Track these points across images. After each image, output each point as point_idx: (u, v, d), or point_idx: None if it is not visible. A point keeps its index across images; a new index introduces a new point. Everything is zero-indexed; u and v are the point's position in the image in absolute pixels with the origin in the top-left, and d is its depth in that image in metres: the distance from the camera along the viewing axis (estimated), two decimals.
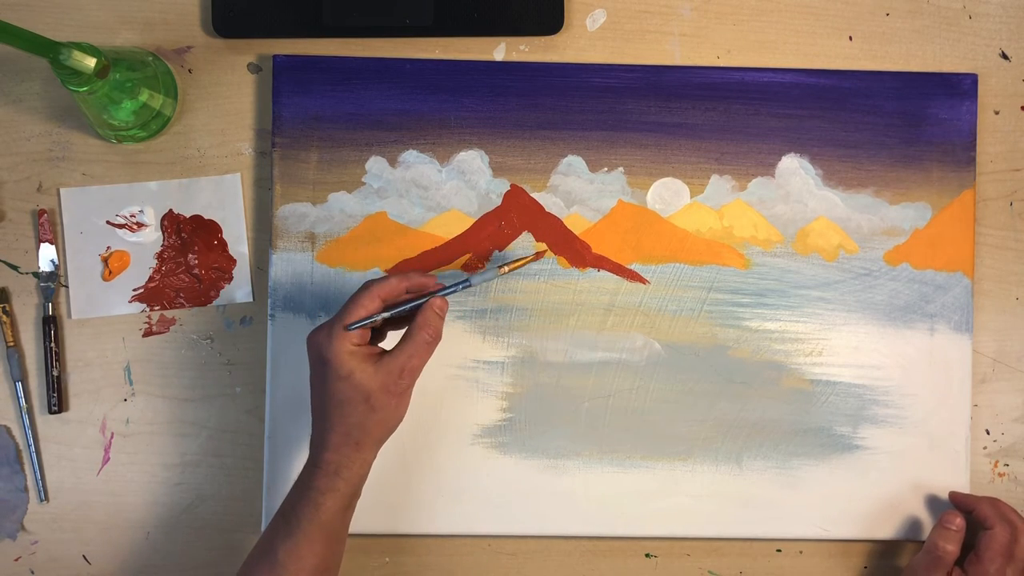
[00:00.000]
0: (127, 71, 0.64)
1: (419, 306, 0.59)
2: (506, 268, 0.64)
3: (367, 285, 0.59)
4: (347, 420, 0.57)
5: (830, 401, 0.70)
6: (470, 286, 0.62)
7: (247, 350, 0.70)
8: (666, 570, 0.71)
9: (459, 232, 0.69)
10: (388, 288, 0.59)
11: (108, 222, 0.69)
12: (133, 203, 0.70)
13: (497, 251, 0.69)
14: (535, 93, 0.69)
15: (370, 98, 0.69)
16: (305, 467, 0.59)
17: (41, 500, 0.69)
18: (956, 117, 0.70)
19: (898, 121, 0.70)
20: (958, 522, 0.66)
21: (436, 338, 0.59)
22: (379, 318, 0.58)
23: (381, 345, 0.61)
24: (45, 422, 0.69)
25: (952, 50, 0.72)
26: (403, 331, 0.59)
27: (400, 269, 0.69)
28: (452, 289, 0.61)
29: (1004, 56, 0.72)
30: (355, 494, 0.59)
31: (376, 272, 0.69)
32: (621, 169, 0.70)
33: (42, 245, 0.69)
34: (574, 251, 0.69)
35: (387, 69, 0.69)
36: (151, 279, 0.69)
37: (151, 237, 0.70)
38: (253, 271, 0.70)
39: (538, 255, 0.66)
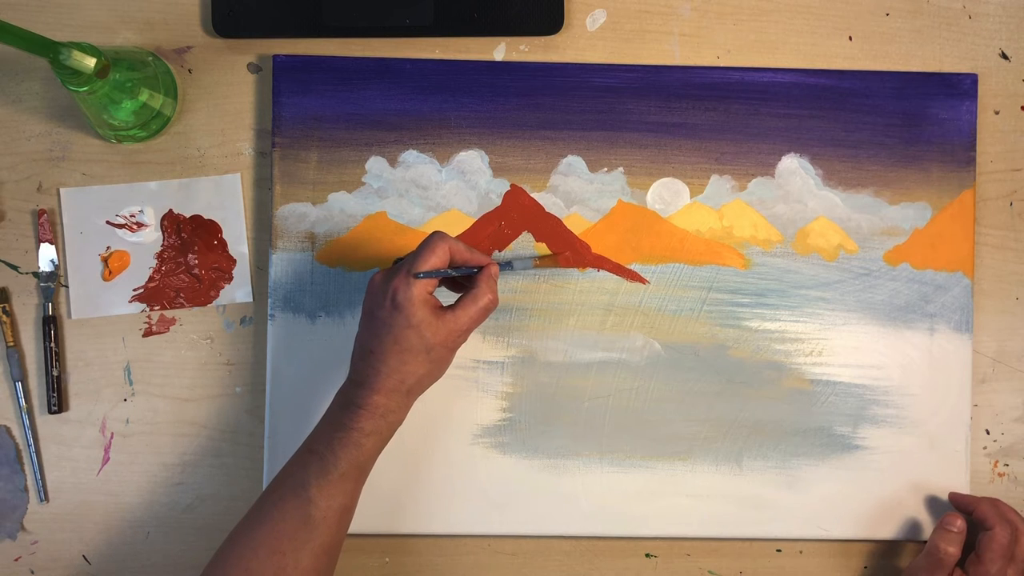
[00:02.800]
0: (127, 71, 0.64)
1: (475, 271, 0.61)
2: (538, 262, 0.67)
3: (440, 235, 0.59)
4: (405, 368, 0.58)
5: (830, 401, 0.70)
6: (512, 270, 0.66)
7: (247, 350, 0.70)
8: (666, 570, 0.71)
9: (459, 232, 0.69)
10: (457, 250, 0.60)
11: (108, 222, 0.69)
12: (133, 203, 0.70)
13: (497, 251, 0.69)
14: (535, 93, 0.69)
15: (370, 98, 0.69)
16: (341, 407, 0.59)
17: (41, 500, 0.69)
18: (956, 117, 0.70)
19: (898, 121, 0.70)
20: (959, 524, 0.66)
21: (495, 304, 0.60)
22: (447, 274, 0.59)
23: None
24: (45, 422, 0.69)
25: (952, 50, 0.72)
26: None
27: None
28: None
29: (1004, 56, 0.72)
30: (390, 438, 0.60)
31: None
32: (621, 169, 0.70)
33: (42, 245, 0.69)
34: (574, 251, 0.69)
35: (387, 69, 0.69)
36: (151, 279, 0.69)
37: (151, 237, 0.70)
38: (253, 271, 0.70)
39: (563, 260, 0.68)
